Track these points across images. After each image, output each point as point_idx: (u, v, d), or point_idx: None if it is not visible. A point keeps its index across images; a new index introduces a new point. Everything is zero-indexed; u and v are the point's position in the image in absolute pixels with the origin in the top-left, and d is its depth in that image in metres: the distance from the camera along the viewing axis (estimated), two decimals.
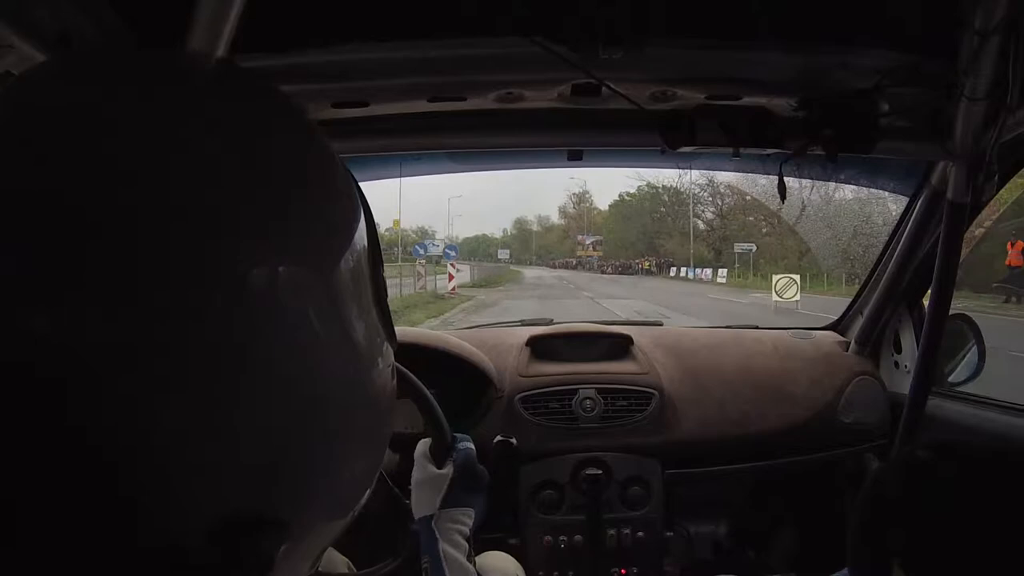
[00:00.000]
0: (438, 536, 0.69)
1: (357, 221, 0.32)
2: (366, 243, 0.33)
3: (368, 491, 0.35)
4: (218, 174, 0.27)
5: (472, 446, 0.77)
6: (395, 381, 0.36)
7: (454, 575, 0.67)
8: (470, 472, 0.74)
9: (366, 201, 0.34)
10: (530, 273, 31.80)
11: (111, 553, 0.26)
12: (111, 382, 0.24)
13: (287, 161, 0.30)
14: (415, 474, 0.76)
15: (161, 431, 0.25)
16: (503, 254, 43.42)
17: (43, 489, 0.24)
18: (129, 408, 0.24)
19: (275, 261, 0.27)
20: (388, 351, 0.35)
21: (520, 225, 50.21)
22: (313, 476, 0.30)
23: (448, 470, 0.74)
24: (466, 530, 0.71)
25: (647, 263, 29.84)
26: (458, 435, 0.78)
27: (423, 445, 0.78)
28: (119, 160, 0.25)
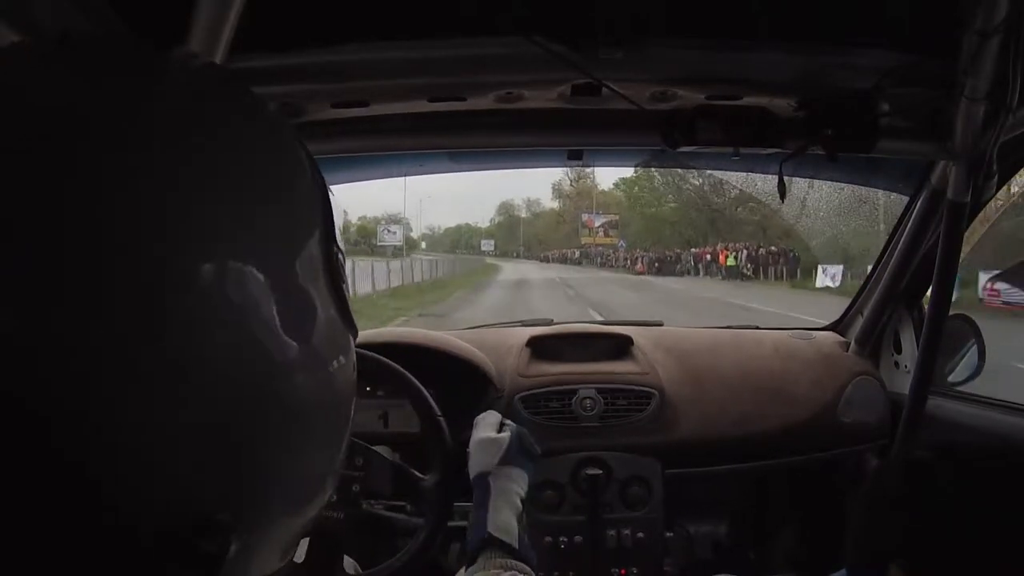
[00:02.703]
0: (493, 492, 0.70)
1: (316, 216, 0.32)
2: (322, 236, 0.32)
3: (332, 483, 0.35)
4: (166, 171, 0.27)
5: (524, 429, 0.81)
6: (355, 372, 0.36)
7: (495, 530, 0.66)
8: (526, 439, 0.78)
9: (326, 188, 0.34)
10: (509, 273, 22.51)
11: (55, 553, 0.25)
12: (51, 379, 0.24)
13: (240, 157, 0.30)
14: (477, 435, 0.78)
15: (104, 432, 0.25)
16: (487, 245, 37.97)
17: None
18: (70, 407, 0.24)
19: (227, 260, 0.27)
20: (348, 344, 0.35)
21: (506, 211, 43.21)
22: (267, 474, 0.30)
23: (507, 433, 0.77)
24: (521, 491, 0.72)
25: (731, 254, 16.19)
26: (511, 423, 0.82)
27: (490, 415, 0.81)
28: (65, 156, 0.25)
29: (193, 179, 0.27)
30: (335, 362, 0.33)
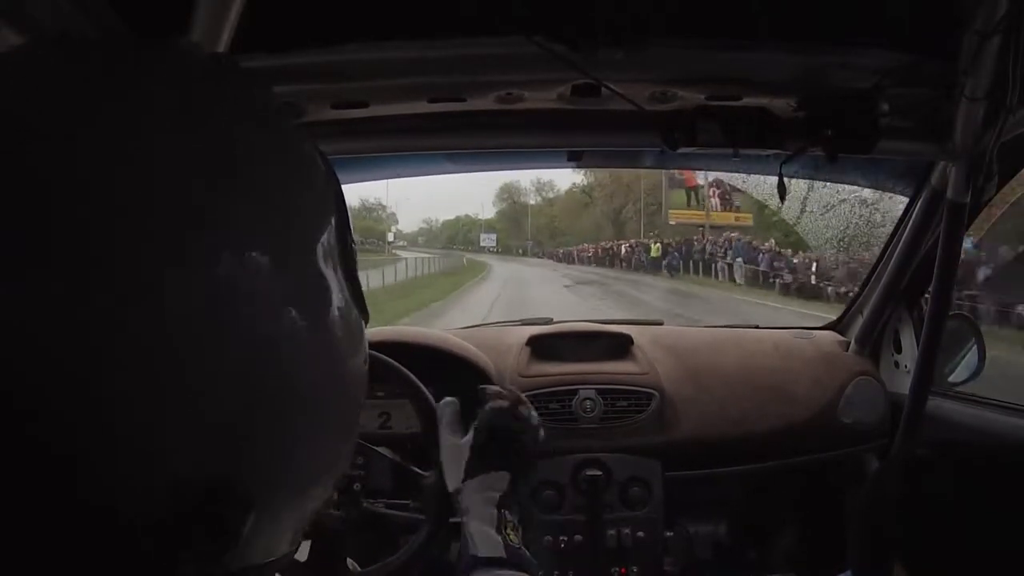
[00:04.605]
0: (465, 511, 0.67)
1: (330, 207, 0.33)
2: (337, 225, 0.33)
3: (342, 469, 0.36)
4: (182, 163, 0.27)
5: (503, 403, 0.72)
6: (367, 365, 0.37)
7: (480, 549, 0.64)
8: (495, 433, 0.70)
9: (338, 182, 0.35)
10: (481, 303, 13.46)
11: (70, 522, 0.26)
12: (70, 351, 0.25)
13: (254, 150, 0.30)
14: (442, 438, 0.73)
15: (122, 402, 0.26)
16: (488, 240, 31.43)
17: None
18: (89, 379, 0.25)
19: (242, 248, 0.28)
20: (361, 329, 0.36)
21: (510, 196, 33.79)
22: (282, 451, 0.30)
23: (469, 437, 0.70)
24: (495, 496, 0.67)
25: None
26: (490, 389, 0.73)
27: (450, 407, 0.74)
28: (85, 145, 0.26)
29: (204, 168, 0.28)
30: (350, 347, 0.34)
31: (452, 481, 0.70)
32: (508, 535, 0.66)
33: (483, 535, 0.65)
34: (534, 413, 0.73)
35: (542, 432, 0.73)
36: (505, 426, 0.70)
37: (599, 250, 20.10)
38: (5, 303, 0.24)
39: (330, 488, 0.35)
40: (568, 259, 21.46)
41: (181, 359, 0.26)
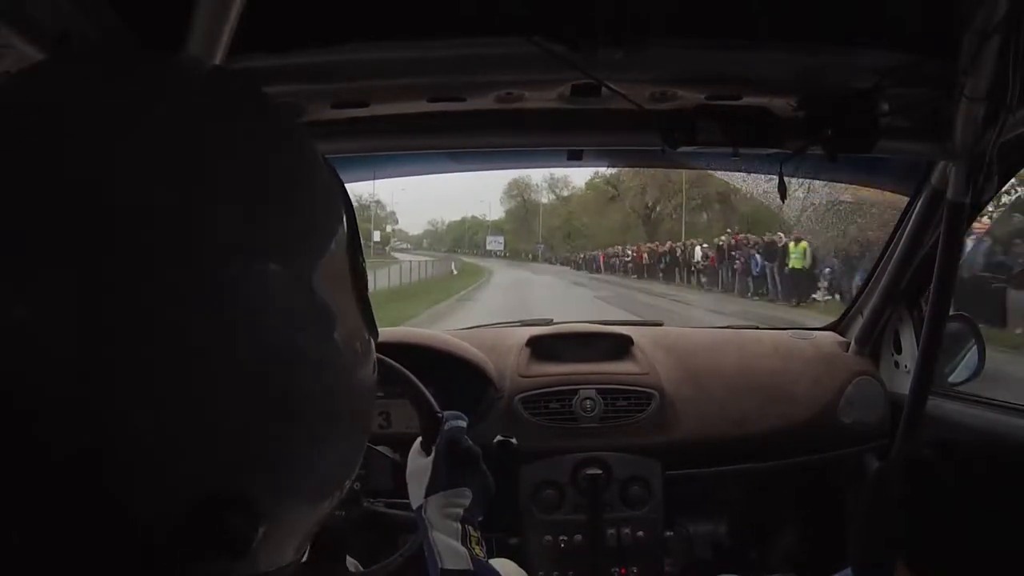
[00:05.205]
0: (428, 524, 0.68)
1: (337, 219, 0.33)
2: (346, 239, 0.33)
3: (350, 479, 0.36)
4: (193, 172, 0.28)
5: (461, 423, 0.75)
6: (376, 374, 0.37)
7: (446, 561, 0.66)
8: (455, 451, 0.72)
9: (347, 195, 0.35)
10: None
11: (82, 534, 0.26)
12: (73, 355, 0.25)
13: (264, 159, 0.30)
14: (407, 468, 0.76)
15: (132, 414, 0.26)
16: (494, 243, 29.03)
17: (11, 471, 0.25)
18: (98, 391, 0.25)
19: (253, 257, 0.28)
20: (369, 344, 0.36)
21: (519, 193, 29.64)
22: (290, 461, 0.30)
23: (429, 458, 0.73)
24: (459, 511, 0.69)
25: None
26: (448, 413, 0.77)
27: (418, 441, 0.78)
28: (95, 157, 0.26)
29: (214, 181, 0.28)
30: (358, 359, 0.34)
31: (415, 498, 0.72)
32: (473, 548, 0.67)
33: (448, 548, 0.66)
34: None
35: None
36: (461, 446, 0.73)
37: (641, 255, 13.36)
38: (9, 304, 0.24)
39: (337, 497, 0.35)
40: (591, 266, 16.36)
41: (184, 366, 0.26)
